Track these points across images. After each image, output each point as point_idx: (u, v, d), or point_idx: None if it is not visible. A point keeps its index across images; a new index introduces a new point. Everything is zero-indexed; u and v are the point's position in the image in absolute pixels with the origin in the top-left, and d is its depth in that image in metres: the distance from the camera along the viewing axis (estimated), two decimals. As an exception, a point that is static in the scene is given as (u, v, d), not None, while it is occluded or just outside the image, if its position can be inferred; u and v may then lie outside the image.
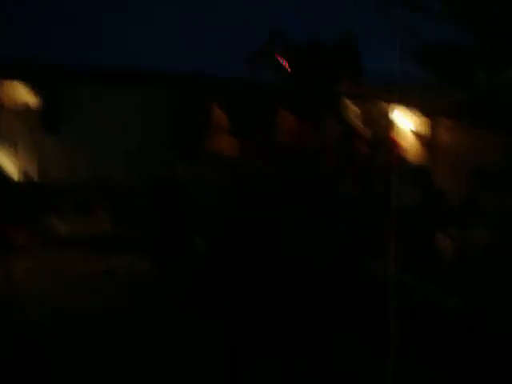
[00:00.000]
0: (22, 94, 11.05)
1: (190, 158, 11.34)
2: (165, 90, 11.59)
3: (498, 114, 9.74)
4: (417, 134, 11.31)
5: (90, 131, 11.22)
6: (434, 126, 11.18)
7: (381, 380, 5.13)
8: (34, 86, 11.00)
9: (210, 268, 8.77)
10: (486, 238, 8.57)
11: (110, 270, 8.81)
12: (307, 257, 8.68)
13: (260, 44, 12.15)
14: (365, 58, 12.10)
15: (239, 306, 7.39)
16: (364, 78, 12.00)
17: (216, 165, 11.21)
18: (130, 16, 11.85)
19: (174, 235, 9.64)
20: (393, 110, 11.32)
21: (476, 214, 9.28)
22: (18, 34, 11.05)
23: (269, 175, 11.17)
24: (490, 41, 10.21)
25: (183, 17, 12.28)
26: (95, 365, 5.96)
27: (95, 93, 11.26)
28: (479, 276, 7.79)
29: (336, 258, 8.80)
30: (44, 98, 11.05)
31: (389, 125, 11.46)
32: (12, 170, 10.97)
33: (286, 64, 12.14)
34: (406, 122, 11.37)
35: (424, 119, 11.28)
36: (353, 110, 12.19)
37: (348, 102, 12.21)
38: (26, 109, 11.04)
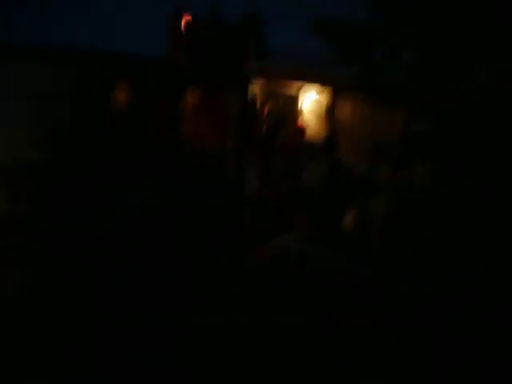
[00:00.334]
0: None
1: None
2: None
3: (391, 90, 10.33)
4: (321, 111, 11.67)
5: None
6: (336, 102, 11.59)
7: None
8: None
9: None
10: (385, 206, 9.02)
11: None
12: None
13: (164, 21, 12.04)
14: (269, 36, 12.29)
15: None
16: (268, 56, 12.19)
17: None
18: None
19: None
20: (297, 88, 11.63)
21: (375, 184, 9.73)
22: None
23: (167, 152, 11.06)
24: (387, 21, 10.77)
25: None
26: None
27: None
28: (380, 240, 8.25)
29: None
30: None
31: (293, 102, 11.74)
32: None
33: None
34: (310, 99, 11.70)
35: (327, 95, 11.66)
36: (255, 89, 12.35)
37: (251, 80, 12.36)
38: None
